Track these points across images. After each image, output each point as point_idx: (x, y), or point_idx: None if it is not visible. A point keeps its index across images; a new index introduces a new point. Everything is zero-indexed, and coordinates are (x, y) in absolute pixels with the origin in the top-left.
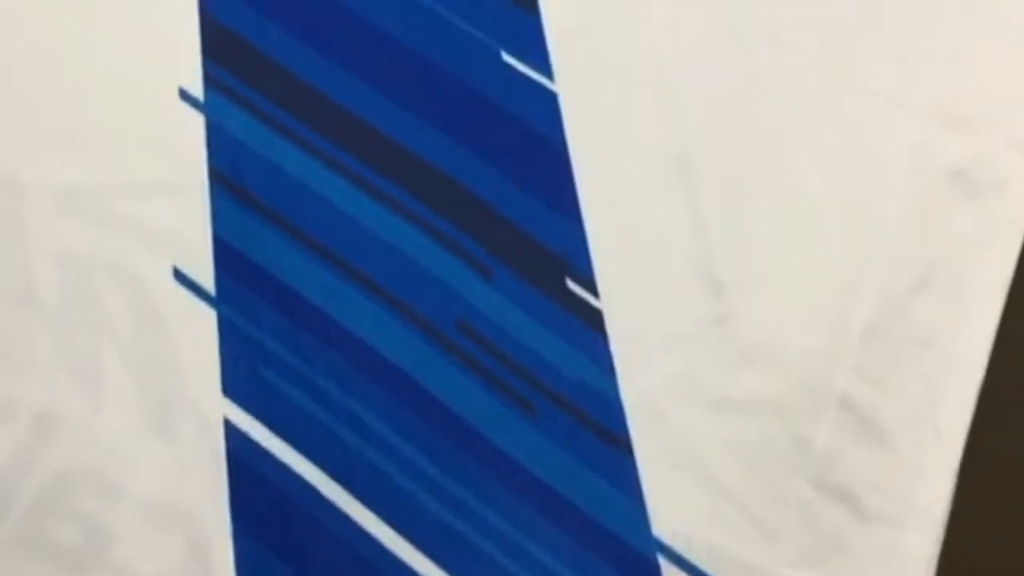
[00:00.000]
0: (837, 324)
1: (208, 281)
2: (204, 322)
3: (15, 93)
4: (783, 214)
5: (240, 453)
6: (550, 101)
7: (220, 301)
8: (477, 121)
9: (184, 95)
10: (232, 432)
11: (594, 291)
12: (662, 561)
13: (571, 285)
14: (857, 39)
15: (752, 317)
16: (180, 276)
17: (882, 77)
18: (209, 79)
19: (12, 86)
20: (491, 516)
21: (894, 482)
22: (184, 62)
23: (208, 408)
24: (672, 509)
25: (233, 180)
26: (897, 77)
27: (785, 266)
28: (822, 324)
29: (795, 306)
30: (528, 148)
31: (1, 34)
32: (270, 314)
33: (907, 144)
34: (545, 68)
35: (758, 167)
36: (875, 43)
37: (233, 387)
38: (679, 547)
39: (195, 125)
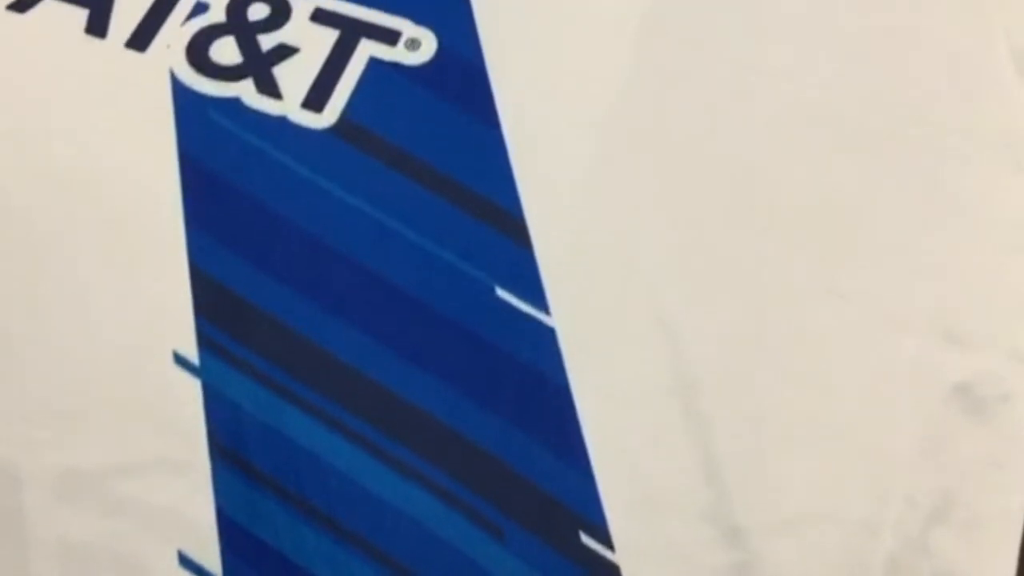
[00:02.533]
0: (858, 565)
1: (215, 565)
2: None
3: (6, 373)
4: (798, 452)
5: None
6: (548, 337)
7: None
8: (477, 366)
9: (179, 359)
10: None
11: (609, 544)
12: None
13: (586, 540)
14: (853, 254)
15: (772, 562)
16: (186, 561)
17: (880, 293)
18: (203, 339)
19: (2, 367)
20: None
21: None
22: (176, 323)
23: None
24: None
25: (235, 453)
26: (895, 293)
27: (803, 507)
28: (843, 567)
29: (815, 549)
30: (531, 392)
31: None
32: None
33: (910, 362)
34: (540, 302)
35: (768, 401)
36: (872, 258)
37: None
38: None
39: (192, 392)
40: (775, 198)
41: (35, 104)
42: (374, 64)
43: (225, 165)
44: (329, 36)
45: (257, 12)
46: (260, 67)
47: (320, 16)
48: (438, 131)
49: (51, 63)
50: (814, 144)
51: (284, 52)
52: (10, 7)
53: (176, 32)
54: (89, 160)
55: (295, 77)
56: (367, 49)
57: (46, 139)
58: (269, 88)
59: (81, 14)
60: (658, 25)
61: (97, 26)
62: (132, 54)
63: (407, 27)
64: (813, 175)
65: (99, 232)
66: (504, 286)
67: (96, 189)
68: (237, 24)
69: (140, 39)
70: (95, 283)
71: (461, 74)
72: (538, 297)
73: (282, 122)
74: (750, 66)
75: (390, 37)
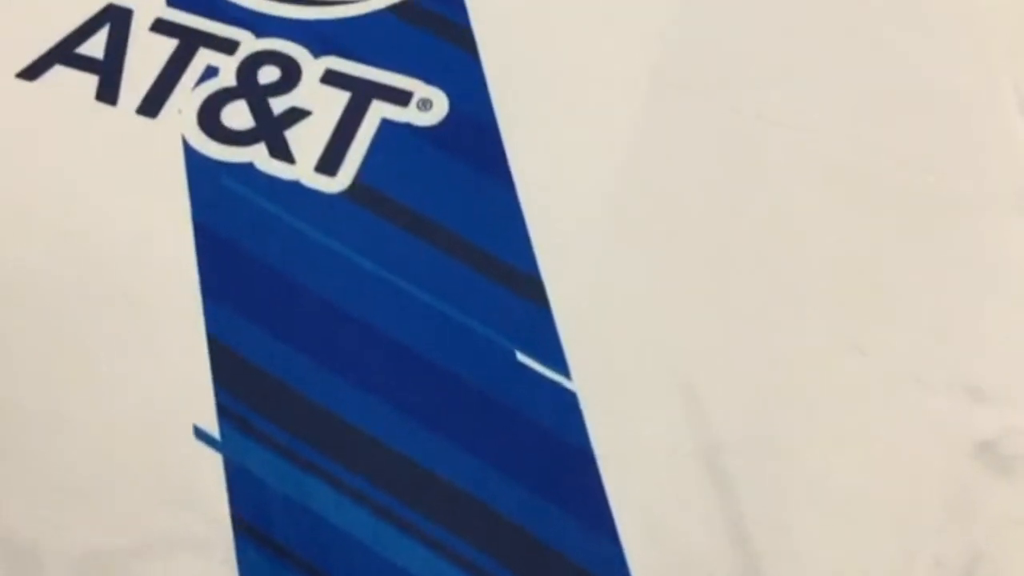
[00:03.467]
0: None
1: None
2: None
3: (28, 453)
4: (824, 514)
5: None
6: (570, 402)
7: None
8: (499, 433)
9: (200, 434)
10: None
11: None
12: None
13: None
14: (872, 311)
15: None
16: None
17: (902, 350)
18: (224, 412)
19: (23, 446)
20: None
21: None
22: (196, 396)
23: None
24: None
25: (259, 528)
26: (917, 349)
27: (831, 570)
28: None
29: None
30: (554, 458)
31: (13, 394)
32: None
33: (934, 420)
34: (561, 366)
35: (793, 463)
36: (891, 314)
37: None
38: None
39: (214, 468)
40: (793, 254)
41: (47, 174)
42: (386, 125)
43: (240, 232)
44: (340, 98)
45: (268, 75)
46: (272, 131)
47: (331, 78)
48: (452, 192)
49: (62, 132)
50: (829, 198)
51: (296, 115)
52: (20, 75)
53: (187, 97)
54: (103, 231)
55: (308, 140)
56: (379, 110)
57: (59, 210)
58: (282, 152)
59: (91, 80)
60: (669, 79)
61: (108, 93)
62: (144, 120)
63: (418, 87)
64: (830, 230)
65: (115, 304)
66: (524, 350)
67: (111, 260)
68: (248, 88)
69: (151, 105)
70: (112, 357)
71: (474, 134)
72: (558, 360)
73: (296, 187)
74: (763, 118)
75: (402, 98)
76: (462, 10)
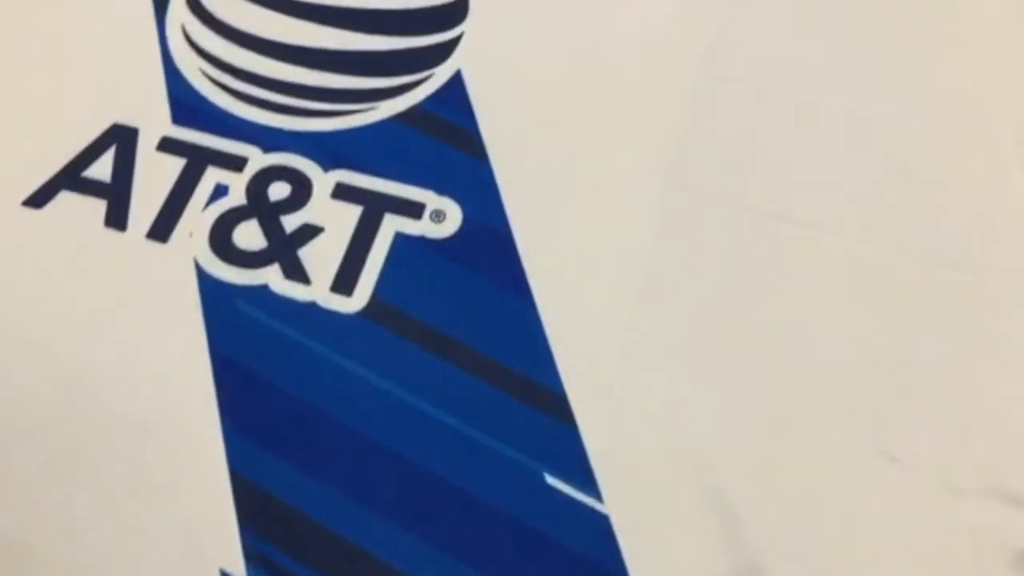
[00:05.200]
0: None
1: None
2: None
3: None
4: None
5: None
6: (603, 526)
7: None
8: (533, 561)
9: None
10: None
11: None
12: None
13: None
14: (900, 412)
15: None
16: None
17: (932, 454)
18: (250, 554)
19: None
20: None
21: None
22: (221, 537)
23: None
24: None
25: None
26: (947, 453)
27: None
28: None
29: None
30: None
31: (29, 538)
32: None
33: (969, 528)
34: (592, 488)
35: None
36: (919, 415)
37: None
38: None
39: None
40: (814, 356)
41: (57, 306)
42: (400, 240)
43: (258, 359)
44: (353, 212)
45: (278, 191)
46: (286, 251)
47: (342, 192)
48: (471, 307)
49: (72, 262)
50: (847, 297)
51: (308, 232)
52: (26, 203)
53: (197, 218)
54: (117, 364)
55: (322, 259)
56: (392, 224)
57: (70, 343)
58: (296, 273)
59: (99, 205)
60: (680, 180)
61: (117, 218)
62: (155, 245)
63: (430, 198)
64: (849, 330)
65: (133, 441)
66: (553, 472)
67: (127, 394)
68: (259, 206)
69: (161, 228)
70: (132, 498)
71: (489, 245)
72: (588, 482)
73: (312, 308)
74: (776, 216)
75: (414, 210)
76: (470, 115)
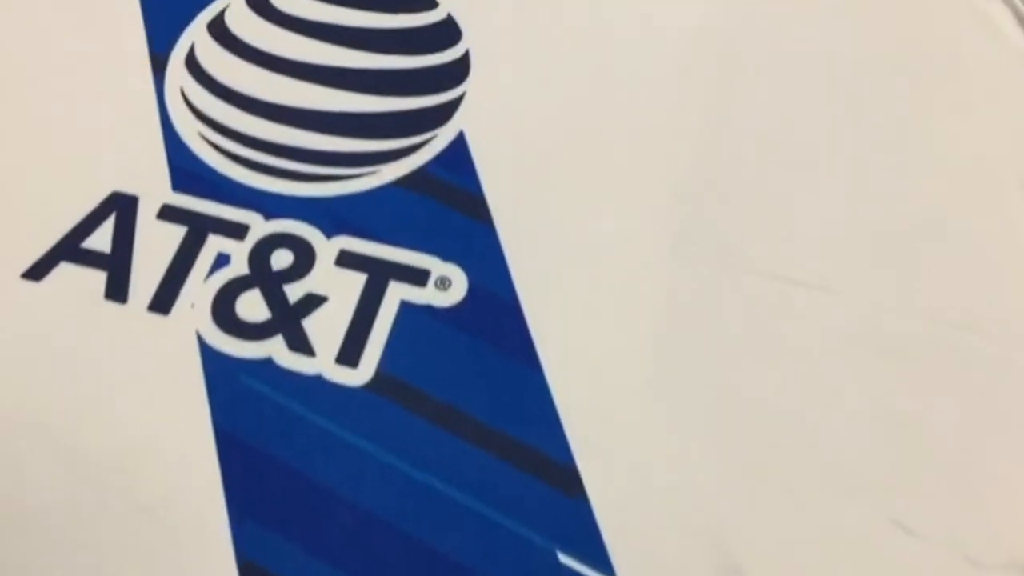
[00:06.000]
0: None
1: None
2: None
3: None
4: None
5: None
6: None
7: None
8: None
9: None
10: None
11: None
12: None
13: None
14: (916, 482)
15: None
16: None
17: (949, 525)
18: None
19: None
20: None
21: None
22: None
23: None
24: None
25: None
26: (965, 524)
27: None
28: None
29: None
30: None
31: None
32: None
33: None
34: (605, 565)
35: None
36: (936, 485)
37: None
38: None
39: None
40: (829, 424)
41: (56, 383)
42: (406, 308)
43: (264, 436)
44: (356, 280)
45: (281, 260)
46: (289, 322)
47: (345, 259)
48: (478, 378)
49: (71, 336)
50: (861, 362)
51: (312, 302)
52: (25, 275)
53: (199, 289)
54: (118, 443)
55: (326, 329)
56: (397, 292)
57: (70, 422)
58: (301, 344)
59: (99, 277)
60: (690, 243)
61: (117, 291)
62: (156, 318)
63: (435, 265)
64: (861, 394)
65: (136, 525)
66: (566, 549)
67: (130, 475)
68: (261, 275)
69: (163, 300)
70: None
71: (495, 313)
72: (602, 559)
73: (318, 381)
74: (785, 279)
75: (419, 277)
76: (473, 178)
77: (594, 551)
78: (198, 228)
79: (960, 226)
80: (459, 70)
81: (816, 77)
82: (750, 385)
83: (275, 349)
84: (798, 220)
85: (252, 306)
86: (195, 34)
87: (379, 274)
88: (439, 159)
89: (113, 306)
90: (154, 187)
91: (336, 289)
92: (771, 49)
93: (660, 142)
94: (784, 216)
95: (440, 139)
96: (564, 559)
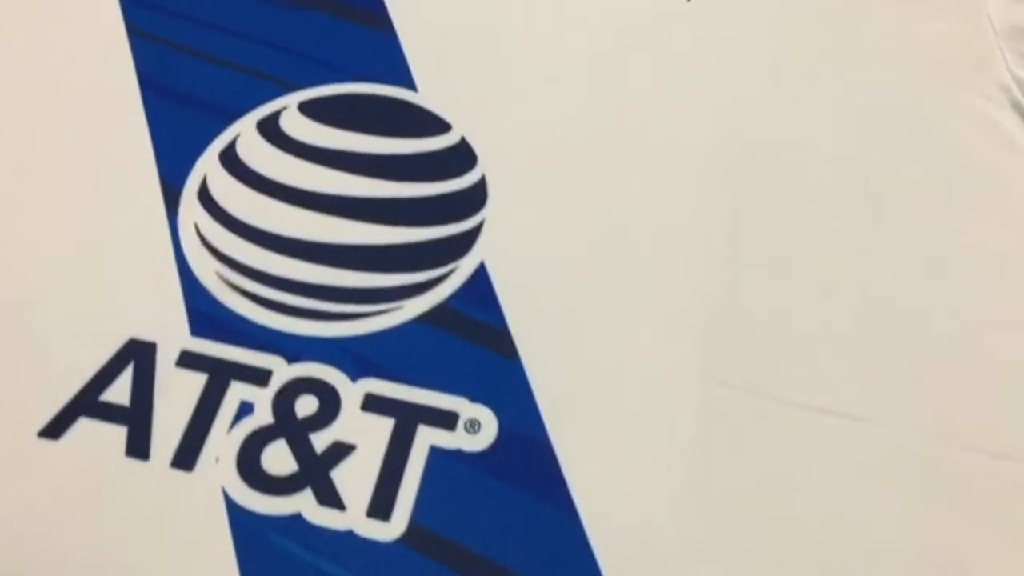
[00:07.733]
0: None
1: None
2: None
3: None
4: None
5: None
6: None
7: None
8: None
9: None
10: None
11: None
12: None
13: None
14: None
15: None
16: None
17: None
18: None
19: None
20: None
21: None
22: None
23: None
24: None
25: None
26: None
27: None
28: None
29: None
30: None
31: None
32: None
33: None
34: None
35: None
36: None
37: None
38: None
39: None
40: (866, 555)
41: (79, 547)
42: (435, 455)
43: None
44: (384, 426)
45: (306, 406)
46: (318, 474)
47: (372, 404)
48: (514, 528)
49: (93, 496)
50: (897, 491)
51: (340, 451)
52: (42, 434)
53: (223, 441)
54: None
55: (356, 481)
56: (426, 437)
57: None
58: (330, 498)
59: (119, 433)
60: (718, 373)
61: (138, 446)
62: (180, 475)
63: (463, 406)
64: (901, 526)
65: None
66: None
67: None
68: (286, 424)
69: (186, 456)
70: None
71: (528, 457)
72: None
73: (350, 537)
74: (814, 408)
75: (448, 420)
76: (497, 311)
77: None
78: (219, 375)
79: (994, 343)
80: (477, 196)
81: (833, 192)
82: (785, 516)
83: (304, 504)
84: (825, 346)
85: (278, 458)
86: (207, 165)
87: (407, 419)
88: (462, 293)
89: (134, 463)
90: (172, 332)
91: (364, 436)
92: (791, 159)
93: (683, 261)
94: (811, 338)
95: (461, 271)
96: None
